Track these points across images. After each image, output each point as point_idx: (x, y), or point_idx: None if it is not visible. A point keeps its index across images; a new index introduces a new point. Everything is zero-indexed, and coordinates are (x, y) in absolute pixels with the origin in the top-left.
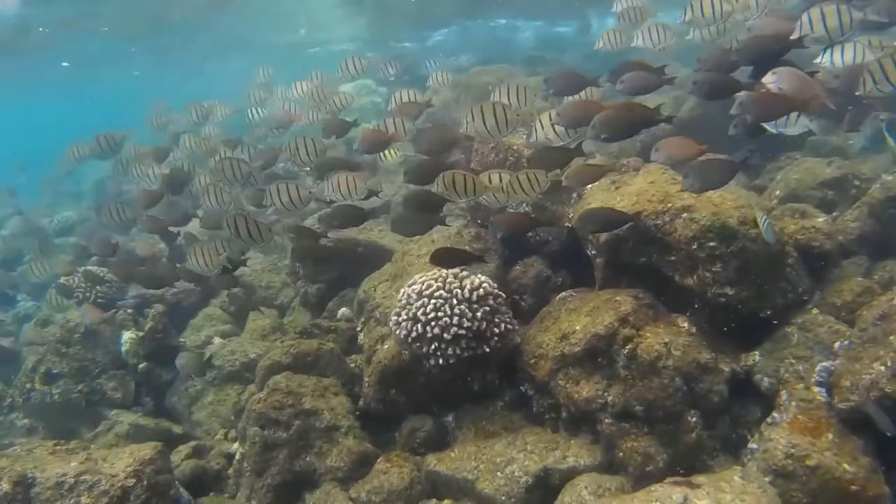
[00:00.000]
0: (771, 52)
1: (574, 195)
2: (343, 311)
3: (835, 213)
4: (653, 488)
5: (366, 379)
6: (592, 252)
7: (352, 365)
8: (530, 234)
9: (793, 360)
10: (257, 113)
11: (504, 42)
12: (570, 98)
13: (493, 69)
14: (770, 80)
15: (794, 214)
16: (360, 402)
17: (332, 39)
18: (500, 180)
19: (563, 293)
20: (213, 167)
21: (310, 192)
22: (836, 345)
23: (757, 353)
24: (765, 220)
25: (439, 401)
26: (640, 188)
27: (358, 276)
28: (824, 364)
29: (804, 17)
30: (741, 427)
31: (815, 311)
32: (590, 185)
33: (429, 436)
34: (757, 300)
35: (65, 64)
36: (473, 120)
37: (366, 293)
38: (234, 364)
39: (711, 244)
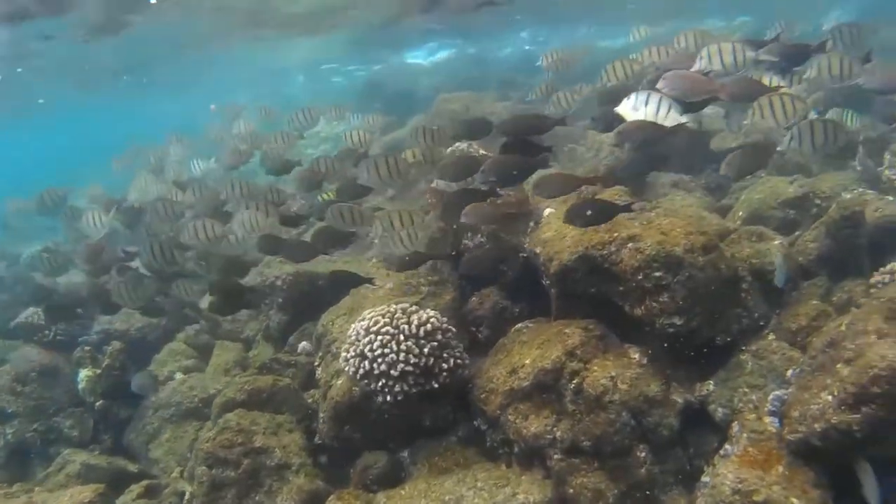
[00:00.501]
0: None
1: (531, 223)
2: (303, 345)
3: (797, 233)
4: None
5: (321, 415)
6: (547, 282)
7: (310, 400)
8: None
9: (746, 389)
10: (198, 165)
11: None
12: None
13: (462, 96)
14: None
15: (752, 237)
16: (316, 439)
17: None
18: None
19: (519, 324)
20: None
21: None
22: (789, 372)
23: (711, 382)
24: (778, 261)
25: (394, 436)
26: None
27: (321, 308)
28: (777, 393)
29: (704, 51)
30: (698, 458)
31: (770, 336)
32: (547, 212)
33: (382, 472)
34: (711, 328)
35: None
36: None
37: (324, 327)
38: (192, 400)
39: (657, 274)
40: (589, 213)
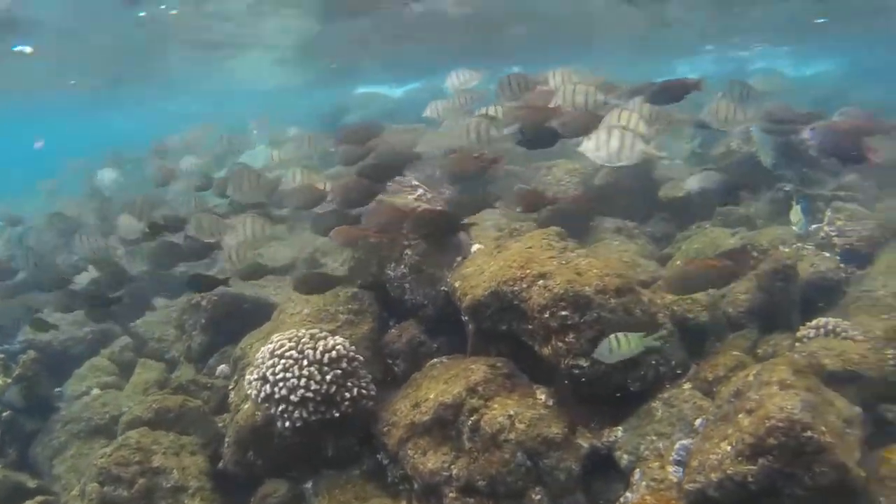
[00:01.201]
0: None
1: (458, 259)
2: (221, 367)
3: (732, 285)
4: None
5: (227, 439)
6: (465, 318)
7: (221, 424)
8: (407, 297)
9: (654, 437)
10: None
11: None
12: None
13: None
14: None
15: None
16: (220, 464)
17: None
18: None
19: (435, 360)
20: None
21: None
22: (698, 422)
23: (620, 428)
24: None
25: (297, 465)
26: (514, 252)
27: (244, 331)
28: (683, 442)
29: (559, 92)
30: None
31: (686, 385)
32: (476, 248)
33: (282, 502)
34: (623, 373)
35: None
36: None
37: (242, 350)
38: (103, 417)
39: (563, 313)
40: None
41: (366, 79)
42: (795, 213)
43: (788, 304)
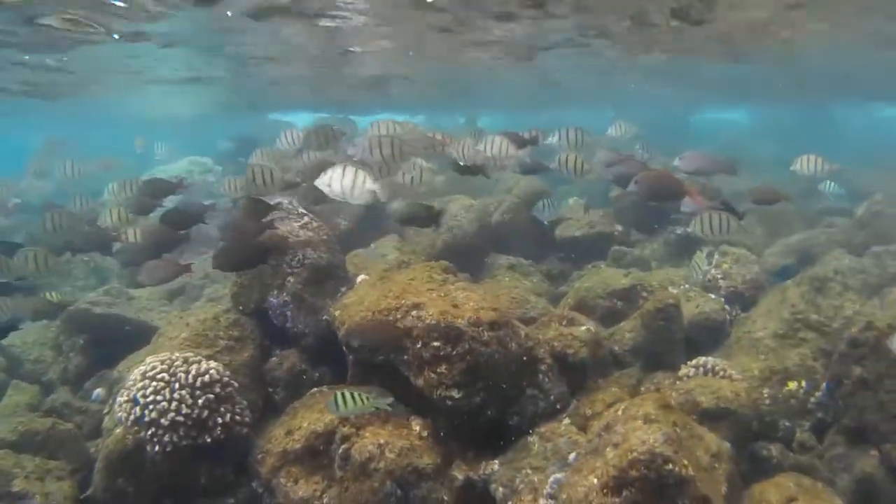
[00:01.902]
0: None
1: (342, 289)
2: (98, 391)
3: (621, 324)
4: None
5: (97, 465)
6: (345, 348)
7: (93, 450)
8: (289, 325)
9: (529, 471)
10: None
11: None
12: None
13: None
14: None
15: (562, 321)
16: (89, 490)
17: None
18: None
19: (315, 389)
20: None
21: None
22: (571, 456)
23: (497, 461)
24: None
25: (170, 494)
26: (394, 283)
27: (125, 355)
28: (557, 476)
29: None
30: None
31: (566, 420)
32: (360, 278)
33: None
34: (501, 406)
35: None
36: None
37: (119, 374)
38: None
39: (435, 344)
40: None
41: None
42: (700, 259)
43: (672, 342)
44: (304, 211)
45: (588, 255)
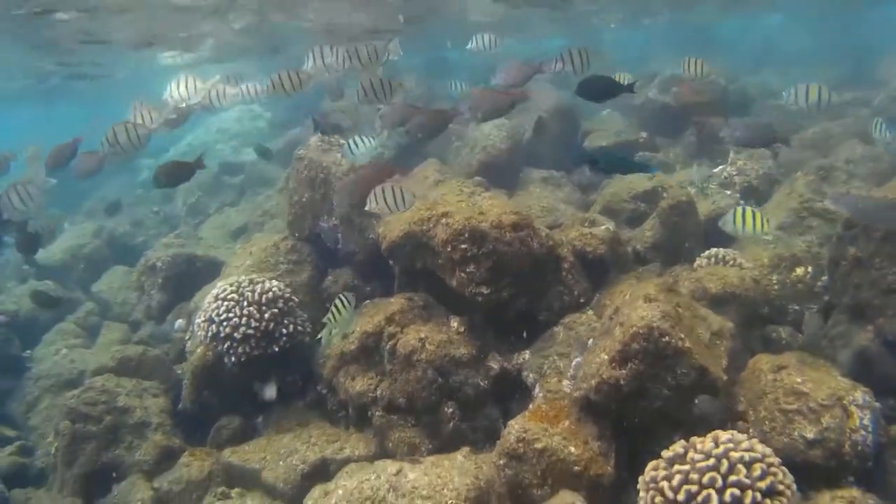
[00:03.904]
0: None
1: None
2: (179, 322)
3: (643, 225)
4: (381, 463)
5: (184, 381)
6: (391, 261)
7: (179, 372)
8: (340, 246)
9: (556, 357)
10: None
11: None
12: None
13: None
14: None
15: (584, 223)
16: (180, 405)
17: None
18: None
19: (368, 301)
20: None
21: None
22: (590, 341)
23: (528, 351)
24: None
25: (250, 402)
26: (429, 197)
27: (198, 288)
28: (577, 360)
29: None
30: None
31: (589, 312)
32: None
33: (234, 433)
34: (529, 301)
35: None
36: None
37: (195, 304)
38: (72, 372)
39: (463, 246)
40: None
41: None
42: (695, 171)
43: (688, 238)
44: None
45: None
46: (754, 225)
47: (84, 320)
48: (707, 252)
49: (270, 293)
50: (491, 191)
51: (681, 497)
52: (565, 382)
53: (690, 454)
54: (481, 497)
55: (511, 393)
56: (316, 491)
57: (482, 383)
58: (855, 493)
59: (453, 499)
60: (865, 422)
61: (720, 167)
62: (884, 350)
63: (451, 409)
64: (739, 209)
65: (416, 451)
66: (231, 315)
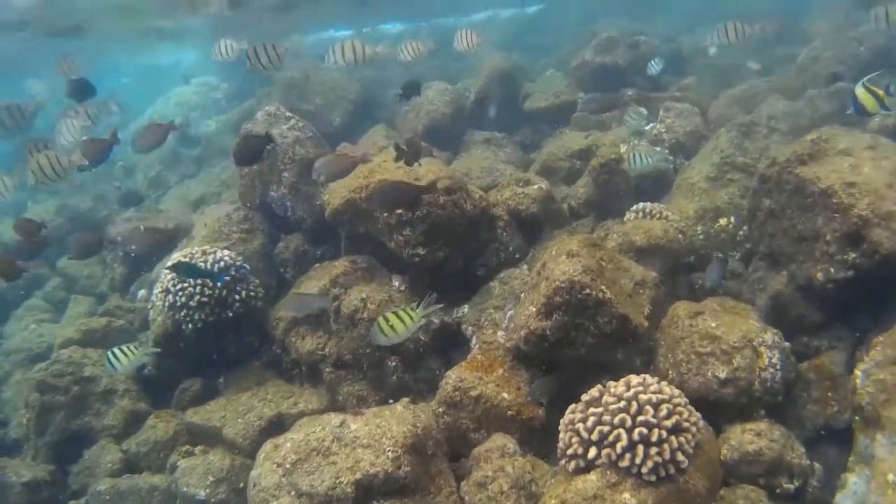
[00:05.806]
0: None
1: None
2: (141, 292)
3: (577, 181)
4: (326, 416)
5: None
6: (337, 228)
7: (144, 339)
8: (289, 213)
9: (491, 310)
10: None
11: None
12: None
13: None
14: None
15: (518, 183)
16: (144, 371)
17: None
18: None
19: (317, 264)
20: None
21: None
22: (522, 294)
23: (466, 305)
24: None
25: (209, 365)
26: (369, 165)
27: (158, 258)
28: (511, 312)
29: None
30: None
31: (523, 267)
32: None
33: (196, 394)
34: (466, 259)
35: None
36: None
37: (156, 274)
38: (41, 346)
39: (399, 211)
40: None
41: None
42: (630, 121)
43: (618, 193)
44: (291, 114)
45: (558, 123)
46: (643, 161)
47: (51, 295)
48: (635, 206)
49: (222, 262)
50: (434, 153)
51: (594, 437)
52: (500, 333)
53: (605, 397)
54: (418, 443)
55: (453, 345)
56: (267, 445)
57: (423, 337)
58: (762, 425)
59: (391, 446)
60: (774, 360)
61: (650, 125)
62: (796, 294)
63: (394, 363)
64: (632, 153)
65: (364, 402)
66: (186, 285)
